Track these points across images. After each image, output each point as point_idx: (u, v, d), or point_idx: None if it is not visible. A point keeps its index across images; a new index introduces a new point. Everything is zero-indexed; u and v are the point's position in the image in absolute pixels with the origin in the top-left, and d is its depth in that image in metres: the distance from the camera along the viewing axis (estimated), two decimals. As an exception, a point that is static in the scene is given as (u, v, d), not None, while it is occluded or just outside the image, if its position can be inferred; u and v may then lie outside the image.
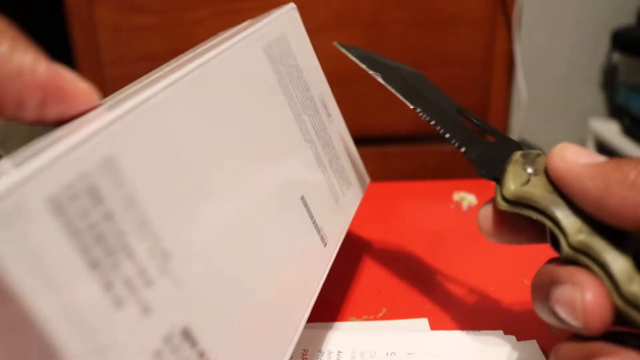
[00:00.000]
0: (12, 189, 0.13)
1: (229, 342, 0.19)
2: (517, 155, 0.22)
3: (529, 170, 0.21)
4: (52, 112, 0.18)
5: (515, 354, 0.25)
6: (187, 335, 0.17)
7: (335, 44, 0.28)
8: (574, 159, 0.20)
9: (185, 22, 0.69)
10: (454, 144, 0.23)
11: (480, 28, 0.68)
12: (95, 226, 0.15)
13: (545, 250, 0.34)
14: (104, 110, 0.18)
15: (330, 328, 0.28)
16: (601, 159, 0.20)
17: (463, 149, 0.23)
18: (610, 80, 1.19)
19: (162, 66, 0.25)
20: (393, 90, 0.25)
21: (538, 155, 0.22)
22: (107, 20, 0.69)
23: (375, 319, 0.29)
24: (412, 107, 0.24)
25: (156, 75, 0.22)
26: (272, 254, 0.23)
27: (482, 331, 0.27)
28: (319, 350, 0.27)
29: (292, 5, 0.29)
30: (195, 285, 0.18)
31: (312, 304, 0.24)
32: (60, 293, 0.14)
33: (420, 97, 0.25)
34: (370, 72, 0.26)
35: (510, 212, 0.22)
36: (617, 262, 0.19)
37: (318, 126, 0.29)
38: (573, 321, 0.19)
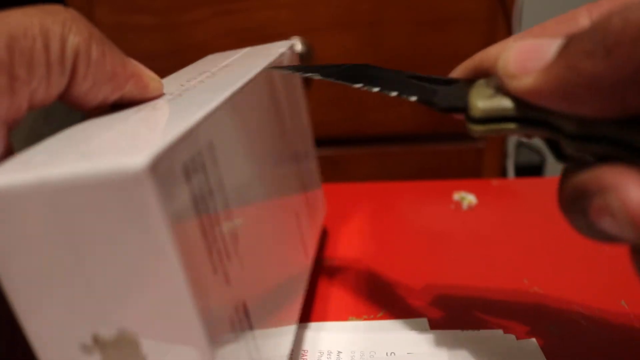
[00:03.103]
0: (167, 153, 0.14)
1: (265, 319, 0.21)
2: (479, 81, 0.19)
3: (493, 87, 0.18)
4: (126, 101, 0.21)
5: (514, 353, 0.25)
6: (246, 311, 0.19)
7: (270, 69, 0.27)
8: (522, 71, 0.16)
9: (185, 22, 0.69)
10: (404, 97, 0.20)
11: (480, 28, 0.69)
12: (204, 198, 0.17)
13: (545, 251, 0.34)
14: (166, 100, 0.21)
15: (330, 328, 0.28)
16: (551, 51, 0.16)
17: (414, 98, 0.20)
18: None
19: (188, 71, 0.28)
20: (332, 80, 0.23)
21: None
22: (107, 20, 0.69)
23: (375, 319, 0.29)
24: (354, 86, 0.22)
25: (201, 74, 0.25)
26: (285, 250, 0.26)
27: (481, 330, 0.27)
28: (319, 351, 0.27)
29: (295, 41, 0.31)
30: (249, 267, 0.20)
31: (299, 311, 0.27)
32: (187, 245, 0.15)
33: (364, 76, 0.22)
34: (306, 75, 0.25)
35: None
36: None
37: (304, 152, 0.32)
38: (623, 232, 0.14)
